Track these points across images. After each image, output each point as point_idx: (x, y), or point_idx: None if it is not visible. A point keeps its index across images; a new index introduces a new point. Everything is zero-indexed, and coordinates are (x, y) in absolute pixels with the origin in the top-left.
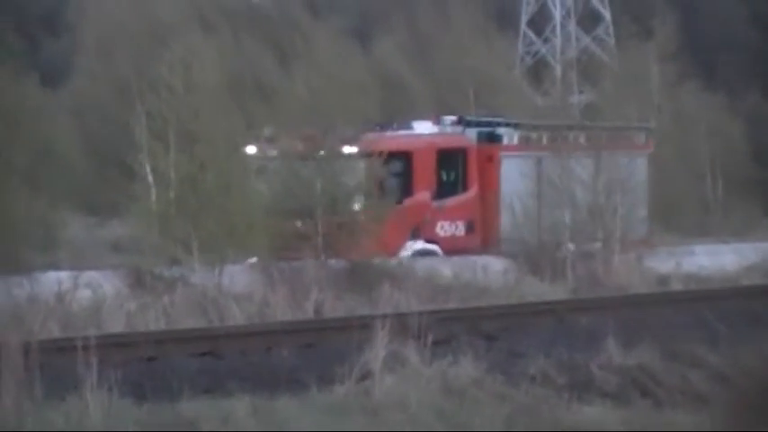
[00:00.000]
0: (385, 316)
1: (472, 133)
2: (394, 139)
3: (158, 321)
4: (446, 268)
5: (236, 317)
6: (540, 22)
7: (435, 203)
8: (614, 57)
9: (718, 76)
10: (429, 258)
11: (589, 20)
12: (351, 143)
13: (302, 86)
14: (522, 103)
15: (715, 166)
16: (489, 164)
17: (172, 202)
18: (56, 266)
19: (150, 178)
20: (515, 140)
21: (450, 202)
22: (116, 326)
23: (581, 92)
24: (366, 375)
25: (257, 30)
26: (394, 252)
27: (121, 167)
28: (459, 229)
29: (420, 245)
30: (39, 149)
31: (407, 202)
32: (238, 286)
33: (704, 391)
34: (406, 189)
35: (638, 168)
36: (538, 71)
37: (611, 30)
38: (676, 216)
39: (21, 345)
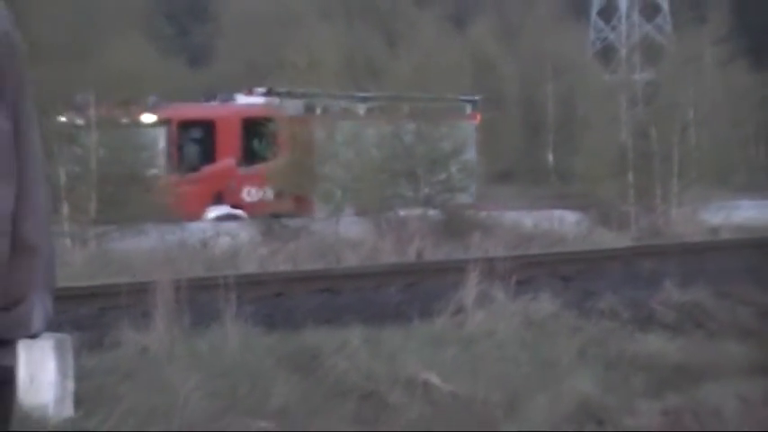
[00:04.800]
0: (476, 260)
1: (297, 105)
2: (197, 108)
3: (285, 264)
4: (528, 220)
5: (350, 260)
6: (608, 12)
7: (242, 170)
8: (671, 41)
9: (765, 55)
10: (514, 212)
11: (650, 10)
12: (151, 112)
13: (406, 66)
14: (593, 79)
15: (760, 135)
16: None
17: (290, 164)
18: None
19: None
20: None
21: (259, 168)
22: (250, 267)
23: (643, 71)
24: (460, 310)
25: (368, 16)
26: (196, 216)
27: None
28: (268, 194)
29: (224, 209)
30: None
31: (207, 168)
32: (352, 234)
33: (751, 325)
34: (209, 156)
35: (464, 139)
36: (606, 53)
37: (668, 18)
38: (726, 176)
39: (172, 282)
